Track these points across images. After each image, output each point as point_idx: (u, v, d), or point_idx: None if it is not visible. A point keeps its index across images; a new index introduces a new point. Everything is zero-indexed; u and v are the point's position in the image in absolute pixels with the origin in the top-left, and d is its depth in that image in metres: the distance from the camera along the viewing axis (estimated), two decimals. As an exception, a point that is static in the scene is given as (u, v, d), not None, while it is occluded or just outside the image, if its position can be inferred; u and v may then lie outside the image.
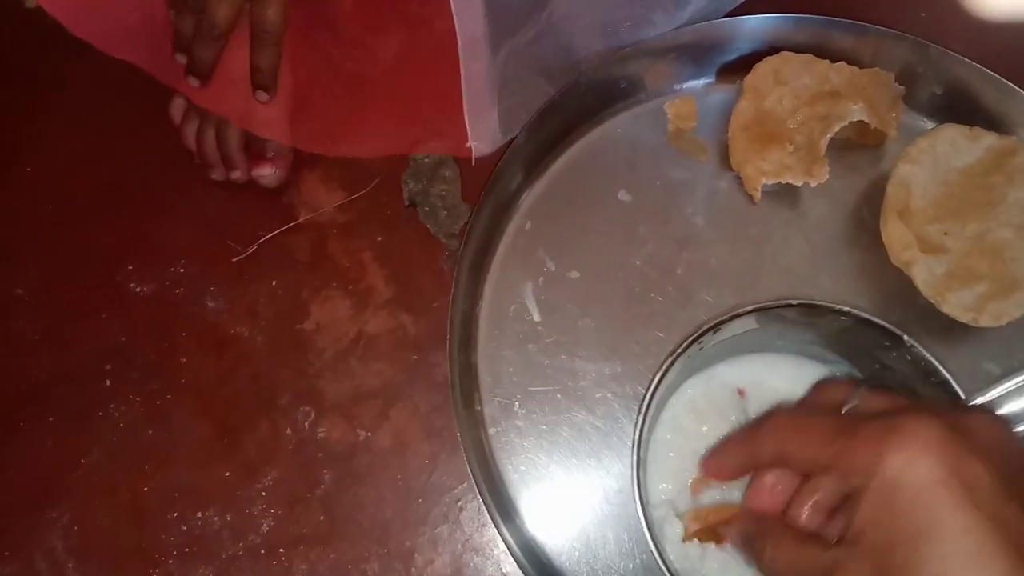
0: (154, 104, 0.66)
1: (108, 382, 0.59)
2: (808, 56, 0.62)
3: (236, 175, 0.64)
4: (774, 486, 0.47)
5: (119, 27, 0.61)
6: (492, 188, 0.60)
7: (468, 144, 0.63)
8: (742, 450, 0.49)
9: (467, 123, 0.61)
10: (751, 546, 0.47)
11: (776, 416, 0.48)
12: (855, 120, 0.59)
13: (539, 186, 0.63)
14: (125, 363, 0.59)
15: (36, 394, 0.59)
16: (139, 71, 0.64)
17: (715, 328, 0.53)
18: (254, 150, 0.64)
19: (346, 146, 0.65)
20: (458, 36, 0.56)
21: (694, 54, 0.64)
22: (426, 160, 0.64)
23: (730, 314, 0.53)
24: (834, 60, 0.62)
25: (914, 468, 0.40)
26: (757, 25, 0.63)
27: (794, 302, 0.53)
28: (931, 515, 0.39)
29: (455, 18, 0.55)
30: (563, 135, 0.64)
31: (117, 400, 0.58)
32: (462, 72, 0.58)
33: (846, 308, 0.51)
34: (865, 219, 0.61)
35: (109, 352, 0.60)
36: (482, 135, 0.63)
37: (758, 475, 0.48)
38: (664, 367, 0.51)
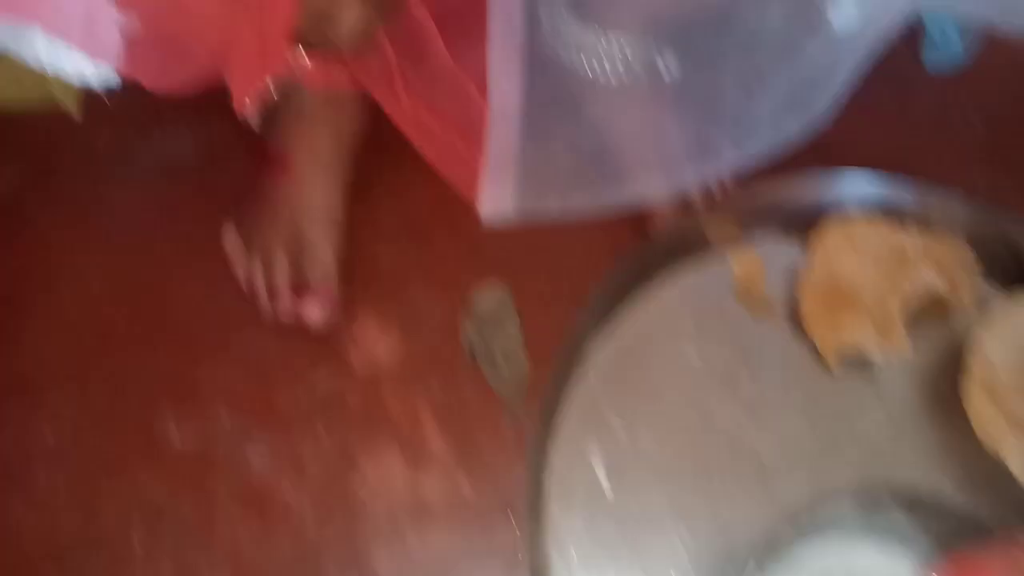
0: (206, 229, 0.64)
1: (138, 547, 0.54)
2: (880, 221, 0.62)
3: (281, 308, 0.62)
4: None
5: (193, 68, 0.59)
6: (560, 348, 0.57)
7: (477, 205, 0.60)
8: None
9: (481, 186, 0.59)
10: None
11: None
12: (930, 289, 0.58)
13: (607, 346, 0.61)
14: (157, 523, 0.55)
15: (60, 556, 0.54)
16: (191, 190, 0.62)
17: (804, 519, 0.50)
18: (302, 288, 0.62)
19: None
20: (490, 101, 0.55)
21: (761, 209, 0.63)
22: (487, 307, 0.62)
23: (824, 503, 0.50)
24: (902, 219, 0.62)
25: None
26: (826, 183, 0.62)
27: (902, 496, 0.50)
28: None
29: (491, 82, 0.54)
30: (629, 291, 0.62)
31: (147, 567, 0.53)
32: (487, 138, 0.56)
33: (960, 507, 0.49)
34: (944, 392, 0.59)
35: (140, 511, 0.55)
36: (492, 203, 0.60)
37: None
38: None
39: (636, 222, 0.65)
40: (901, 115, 0.71)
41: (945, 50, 0.72)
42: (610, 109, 0.60)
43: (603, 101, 0.60)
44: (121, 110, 0.70)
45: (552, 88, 0.59)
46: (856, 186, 0.62)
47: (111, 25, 0.51)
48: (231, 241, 0.63)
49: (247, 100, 0.62)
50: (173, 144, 0.69)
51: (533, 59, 0.57)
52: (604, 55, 0.59)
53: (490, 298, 0.63)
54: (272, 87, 0.61)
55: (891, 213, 0.62)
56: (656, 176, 0.62)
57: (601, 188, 0.61)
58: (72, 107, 0.72)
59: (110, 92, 0.68)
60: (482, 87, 0.56)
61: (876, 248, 0.62)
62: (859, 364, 0.60)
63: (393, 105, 0.60)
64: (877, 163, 0.64)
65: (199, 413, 0.58)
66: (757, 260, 0.64)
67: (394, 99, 0.60)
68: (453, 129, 0.60)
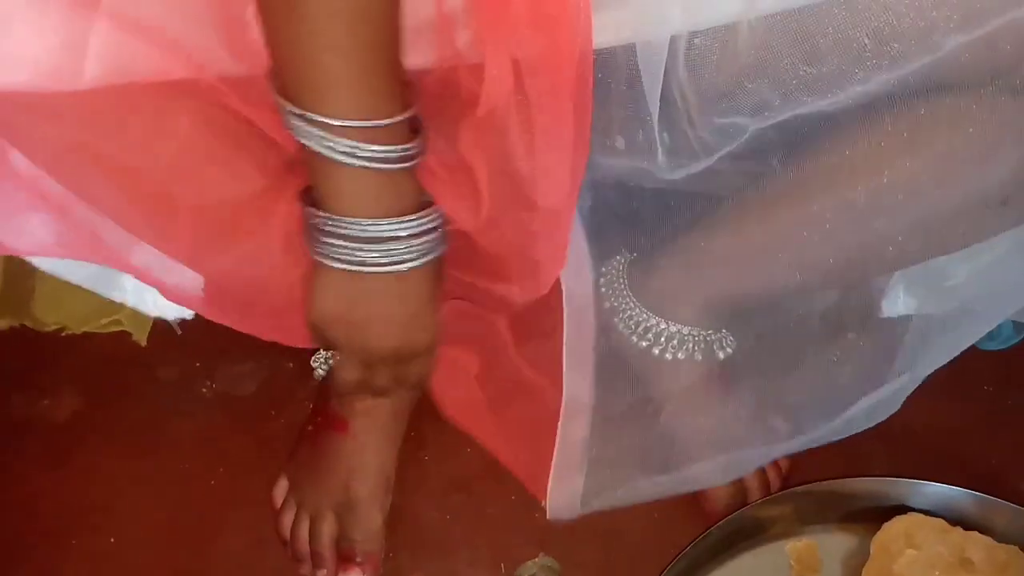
0: (258, 474, 0.64)
1: None
2: (941, 522, 0.60)
3: (323, 575, 0.61)
4: None
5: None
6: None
7: (544, 503, 0.61)
8: None
9: (550, 483, 0.60)
10: None
11: None
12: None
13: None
14: None
15: None
16: (247, 429, 0.63)
17: None
18: (343, 552, 0.62)
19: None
20: (564, 398, 0.56)
21: (820, 502, 0.63)
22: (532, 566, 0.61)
23: None
24: (964, 526, 0.61)
25: None
26: (887, 488, 0.62)
27: None
28: None
29: (564, 381, 0.55)
30: (687, 573, 0.60)
31: None
32: (558, 434, 0.57)
33: None
34: None
35: None
36: (560, 500, 0.61)
37: None
38: None
39: (691, 501, 0.64)
40: (956, 393, 0.71)
41: (996, 336, 0.74)
42: (673, 396, 0.61)
43: (666, 384, 0.61)
44: (187, 340, 0.72)
45: (619, 379, 0.60)
46: (917, 492, 0.62)
47: (196, 278, 0.53)
48: (281, 497, 0.63)
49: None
50: (235, 379, 0.70)
51: (601, 352, 0.59)
52: (666, 338, 0.61)
53: (538, 573, 0.62)
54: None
55: (954, 517, 0.61)
56: (718, 462, 0.62)
57: (665, 479, 0.61)
58: (139, 334, 0.74)
59: (182, 323, 0.70)
60: (552, 382, 0.57)
61: (937, 550, 0.60)
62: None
63: (458, 407, 0.62)
64: (935, 449, 0.63)
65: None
66: (813, 546, 0.62)
67: (463, 405, 0.61)
68: (520, 428, 0.61)
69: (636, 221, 0.58)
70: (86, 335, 0.71)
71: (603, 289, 0.61)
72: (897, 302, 0.65)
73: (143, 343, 0.71)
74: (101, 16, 0.35)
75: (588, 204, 0.55)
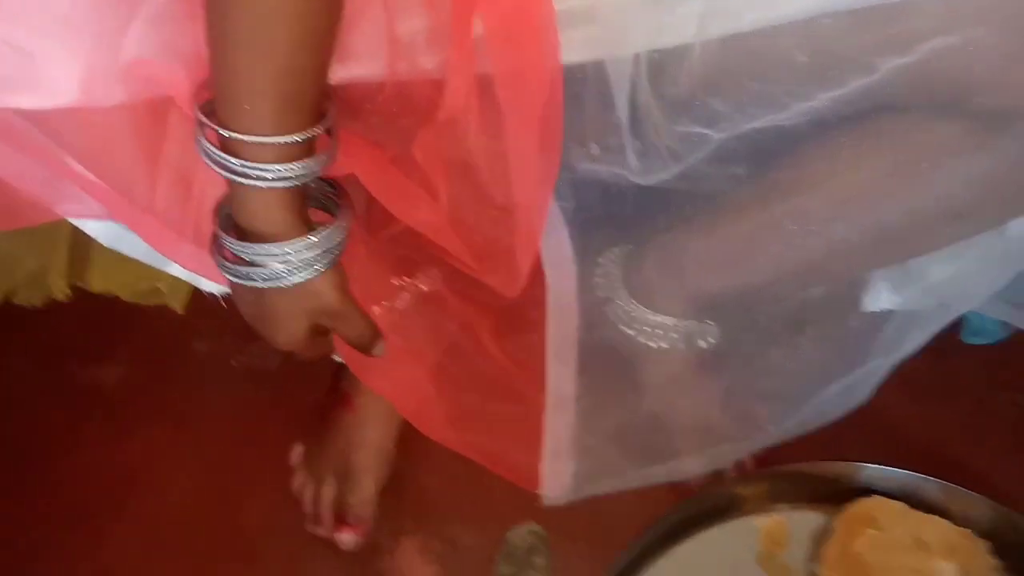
0: (281, 448, 0.71)
1: None
2: (903, 505, 0.64)
3: (321, 532, 0.69)
4: None
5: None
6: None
7: (539, 491, 0.64)
8: None
9: (543, 471, 0.63)
10: None
11: None
12: (946, 580, 0.61)
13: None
14: None
15: None
16: (274, 399, 0.70)
17: None
18: (339, 514, 0.69)
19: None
20: (548, 389, 0.60)
21: (793, 481, 0.67)
22: (520, 545, 0.67)
23: None
24: (927, 510, 0.64)
25: None
26: (857, 471, 0.66)
27: None
28: None
29: (548, 372, 0.59)
30: (659, 547, 0.65)
31: None
32: (545, 425, 0.61)
33: None
34: None
35: None
36: (554, 486, 0.64)
37: None
38: None
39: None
40: (938, 388, 0.75)
41: (983, 332, 0.76)
42: (658, 383, 0.66)
43: (651, 373, 0.66)
44: (220, 313, 0.79)
45: (603, 369, 0.65)
46: (884, 477, 0.66)
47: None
48: (296, 462, 0.70)
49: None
50: (261, 354, 0.77)
51: (588, 342, 0.64)
52: (651, 328, 0.65)
53: (525, 537, 0.67)
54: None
55: (917, 501, 0.65)
56: (701, 454, 0.66)
57: (652, 470, 0.65)
58: (177, 304, 0.81)
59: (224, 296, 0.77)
60: (532, 377, 0.62)
61: (898, 531, 0.64)
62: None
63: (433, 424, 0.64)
64: (911, 439, 0.67)
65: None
66: (782, 523, 0.67)
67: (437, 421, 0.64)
68: (505, 426, 0.65)
69: (619, 219, 0.62)
70: (133, 306, 0.79)
71: (599, 279, 0.66)
72: (879, 297, 0.69)
73: (180, 311, 0.78)
74: (130, 40, 0.42)
75: (572, 205, 0.60)
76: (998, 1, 0.43)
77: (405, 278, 0.64)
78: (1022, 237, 0.54)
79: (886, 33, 0.44)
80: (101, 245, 0.58)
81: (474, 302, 0.63)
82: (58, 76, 0.41)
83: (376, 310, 0.60)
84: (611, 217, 0.62)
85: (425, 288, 0.64)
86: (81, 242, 0.76)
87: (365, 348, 0.52)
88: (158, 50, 0.42)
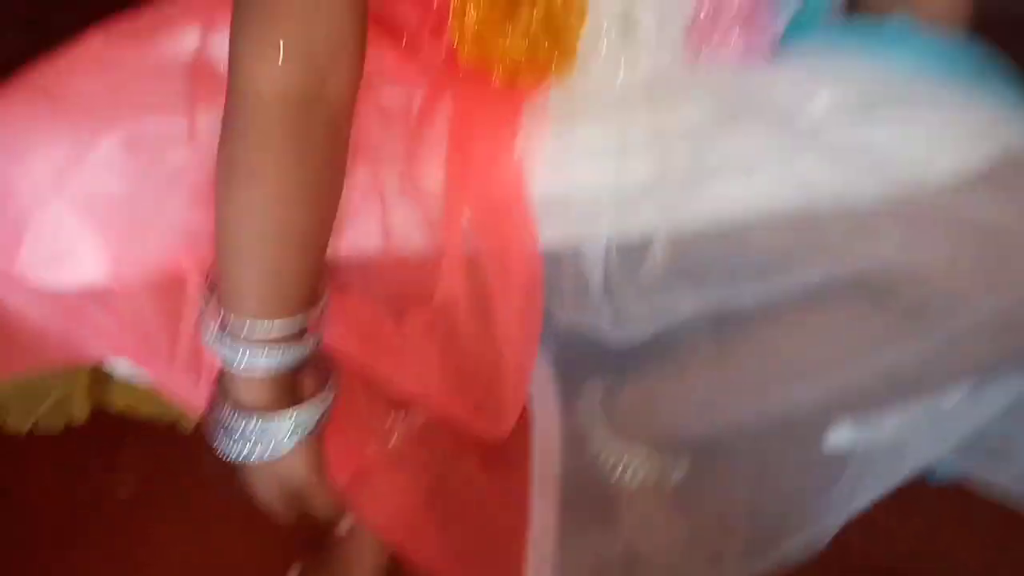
0: (277, 565, 0.75)
1: None
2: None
3: None
4: None
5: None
6: None
7: None
8: None
9: None
10: None
11: None
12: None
13: None
14: None
15: None
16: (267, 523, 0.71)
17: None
18: None
19: None
20: (532, 522, 0.64)
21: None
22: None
23: None
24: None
25: None
26: None
27: None
28: None
29: (533, 507, 0.63)
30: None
31: None
32: (528, 557, 0.64)
33: None
34: None
35: None
36: None
37: None
38: None
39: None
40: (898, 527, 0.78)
41: (942, 471, 0.80)
42: (632, 521, 0.69)
43: (627, 510, 0.70)
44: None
45: (583, 504, 0.68)
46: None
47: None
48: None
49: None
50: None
51: (568, 477, 0.68)
52: (626, 460, 0.70)
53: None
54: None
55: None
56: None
57: None
58: (185, 421, 0.86)
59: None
60: (510, 504, 0.66)
61: None
62: None
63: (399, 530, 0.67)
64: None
65: None
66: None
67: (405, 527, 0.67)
68: (490, 557, 0.68)
69: (599, 363, 0.68)
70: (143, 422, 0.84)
71: (581, 415, 0.71)
72: (841, 437, 0.73)
73: (186, 430, 0.82)
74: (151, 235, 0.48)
75: (554, 348, 0.65)
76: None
77: (400, 412, 0.69)
78: (957, 409, 0.59)
79: (809, 241, 0.50)
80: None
81: (462, 437, 0.68)
82: (90, 260, 0.48)
83: (369, 448, 0.65)
84: (591, 360, 0.68)
85: (417, 423, 0.69)
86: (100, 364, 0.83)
87: (328, 524, 0.56)
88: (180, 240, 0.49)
